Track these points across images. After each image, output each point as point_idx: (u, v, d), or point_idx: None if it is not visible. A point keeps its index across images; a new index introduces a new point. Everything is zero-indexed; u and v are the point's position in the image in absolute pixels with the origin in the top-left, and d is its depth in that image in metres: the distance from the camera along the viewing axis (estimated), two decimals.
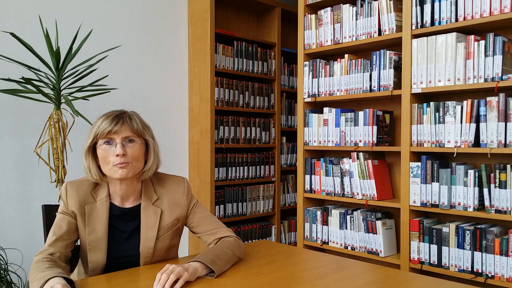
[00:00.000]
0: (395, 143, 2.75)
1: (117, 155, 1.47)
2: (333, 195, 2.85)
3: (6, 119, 2.70)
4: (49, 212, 1.76)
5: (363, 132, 2.68)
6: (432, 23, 2.39)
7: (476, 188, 2.25)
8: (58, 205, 1.63)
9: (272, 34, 3.98)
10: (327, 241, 2.88)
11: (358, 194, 2.72)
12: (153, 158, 1.58)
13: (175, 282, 1.34)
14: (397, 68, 2.61)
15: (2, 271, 2.47)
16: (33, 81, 2.38)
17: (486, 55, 2.22)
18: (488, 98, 2.20)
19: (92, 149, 1.53)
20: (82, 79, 2.55)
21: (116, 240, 1.58)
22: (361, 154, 2.70)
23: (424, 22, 2.42)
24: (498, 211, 2.18)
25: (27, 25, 2.73)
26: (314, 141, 2.93)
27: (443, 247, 2.36)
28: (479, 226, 2.26)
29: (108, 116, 1.52)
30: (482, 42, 2.23)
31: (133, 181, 1.58)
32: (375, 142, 2.63)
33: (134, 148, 1.51)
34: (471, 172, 2.26)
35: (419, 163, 2.43)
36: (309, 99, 2.96)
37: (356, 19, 2.72)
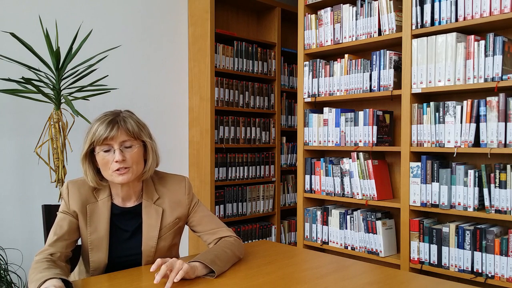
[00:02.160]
0: (395, 143, 2.75)
1: (117, 161, 1.47)
2: (333, 195, 2.85)
3: (6, 119, 2.70)
4: (49, 212, 1.76)
5: (363, 132, 2.68)
6: (432, 23, 2.39)
7: (476, 188, 2.25)
8: (58, 205, 1.63)
9: (272, 34, 3.98)
10: (327, 241, 2.88)
11: (358, 194, 2.72)
12: (152, 157, 1.57)
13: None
14: (397, 68, 2.61)
15: (2, 271, 2.47)
16: (33, 81, 2.38)
17: (486, 55, 2.22)
18: (488, 98, 2.20)
19: (89, 154, 1.52)
20: (82, 79, 2.55)
21: (118, 240, 1.58)
22: (361, 154, 2.70)
23: (424, 22, 2.42)
24: (498, 211, 2.18)
25: (27, 25, 2.73)
26: (314, 141, 2.93)
27: (443, 247, 2.36)
28: (479, 226, 2.26)
29: (103, 120, 1.49)
30: (482, 42, 2.23)
31: (134, 182, 1.58)
32: (375, 142, 2.63)
33: (132, 153, 1.50)
34: (471, 172, 2.26)
35: (419, 163, 2.43)
36: (309, 99, 2.96)
37: (356, 19, 2.72)
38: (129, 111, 1.58)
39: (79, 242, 1.61)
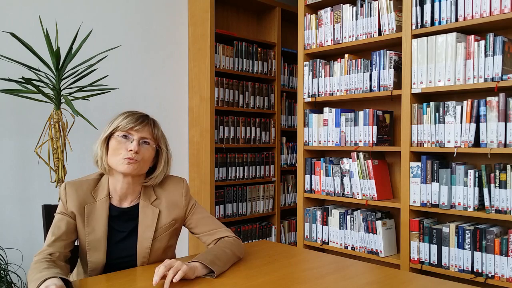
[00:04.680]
0: (395, 143, 2.75)
1: (130, 150, 1.50)
2: (333, 195, 2.85)
3: (6, 119, 2.70)
4: (49, 212, 1.76)
5: (363, 132, 2.68)
6: (432, 23, 2.39)
7: (476, 188, 2.25)
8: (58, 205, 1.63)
9: (272, 34, 3.98)
10: (327, 241, 2.88)
11: (358, 194, 2.72)
12: (163, 166, 1.61)
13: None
14: (397, 68, 2.61)
15: (2, 271, 2.47)
16: (33, 81, 2.38)
17: (486, 55, 2.22)
18: (488, 98, 2.20)
19: (106, 142, 1.55)
20: (82, 79, 2.55)
21: (114, 241, 1.58)
22: (361, 154, 2.70)
23: (424, 22, 2.42)
24: (498, 211, 2.18)
25: (27, 25, 2.73)
26: (314, 141, 2.93)
27: (443, 247, 2.36)
28: (479, 226, 2.26)
29: (134, 114, 1.57)
30: (482, 42, 2.23)
31: (135, 182, 1.59)
32: (375, 142, 2.63)
33: (147, 150, 1.55)
34: (471, 172, 2.26)
35: (419, 163, 2.43)
36: (309, 99, 2.96)
37: (356, 19, 2.72)
38: (155, 119, 1.66)
39: (78, 243, 1.61)
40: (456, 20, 2.31)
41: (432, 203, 2.39)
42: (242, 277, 1.46)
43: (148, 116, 1.61)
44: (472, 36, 2.27)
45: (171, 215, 1.63)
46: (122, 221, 1.59)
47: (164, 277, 1.34)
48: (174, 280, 1.32)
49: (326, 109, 2.87)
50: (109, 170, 1.56)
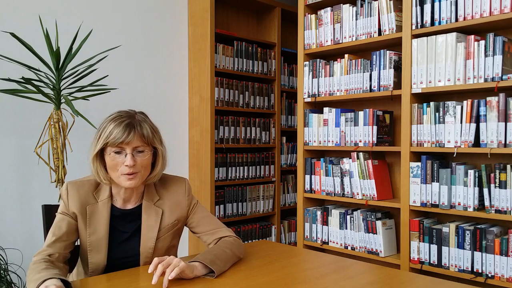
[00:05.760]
0: (395, 143, 2.75)
1: (127, 165, 1.47)
2: (333, 195, 2.85)
3: (6, 119, 2.70)
4: (49, 212, 1.76)
5: (363, 132, 2.68)
6: (432, 23, 2.39)
7: (476, 188, 2.25)
8: (58, 205, 1.63)
9: (272, 34, 3.98)
10: (327, 241, 2.88)
11: (358, 194, 2.72)
12: (161, 164, 1.59)
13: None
14: (397, 68, 2.61)
15: (2, 271, 2.47)
16: (33, 81, 2.38)
17: (486, 55, 2.22)
18: (488, 98, 2.20)
19: (99, 153, 1.51)
20: (82, 79, 2.55)
21: (117, 241, 1.58)
22: (361, 154, 2.70)
23: (424, 22, 2.42)
24: (498, 211, 2.18)
25: (27, 25, 2.73)
26: (314, 141, 2.93)
27: (443, 247, 2.36)
28: (479, 226, 2.26)
29: (120, 122, 1.48)
30: (482, 42, 2.23)
31: (138, 187, 1.58)
32: (375, 142, 2.63)
33: (143, 158, 1.51)
34: (471, 172, 2.26)
35: (419, 163, 2.43)
36: (309, 99, 2.96)
37: (356, 19, 2.72)
38: (143, 113, 1.59)
39: (78, 243, 1.61)
40: (456, 20, 2.31)
41: (432, 203, 2.39)
42: (242, 277, 1.46)
43: (134, 117, 1.52)
44: (472, 36, 2.27)
45: (173, 215, 1.63)
46: (125, 222, 1.59)
47: (163, 275, 1.34)
48: (169, 277, 1.32)
49: (326, 109, 2.87)
50: (110, 181, 1.54)
